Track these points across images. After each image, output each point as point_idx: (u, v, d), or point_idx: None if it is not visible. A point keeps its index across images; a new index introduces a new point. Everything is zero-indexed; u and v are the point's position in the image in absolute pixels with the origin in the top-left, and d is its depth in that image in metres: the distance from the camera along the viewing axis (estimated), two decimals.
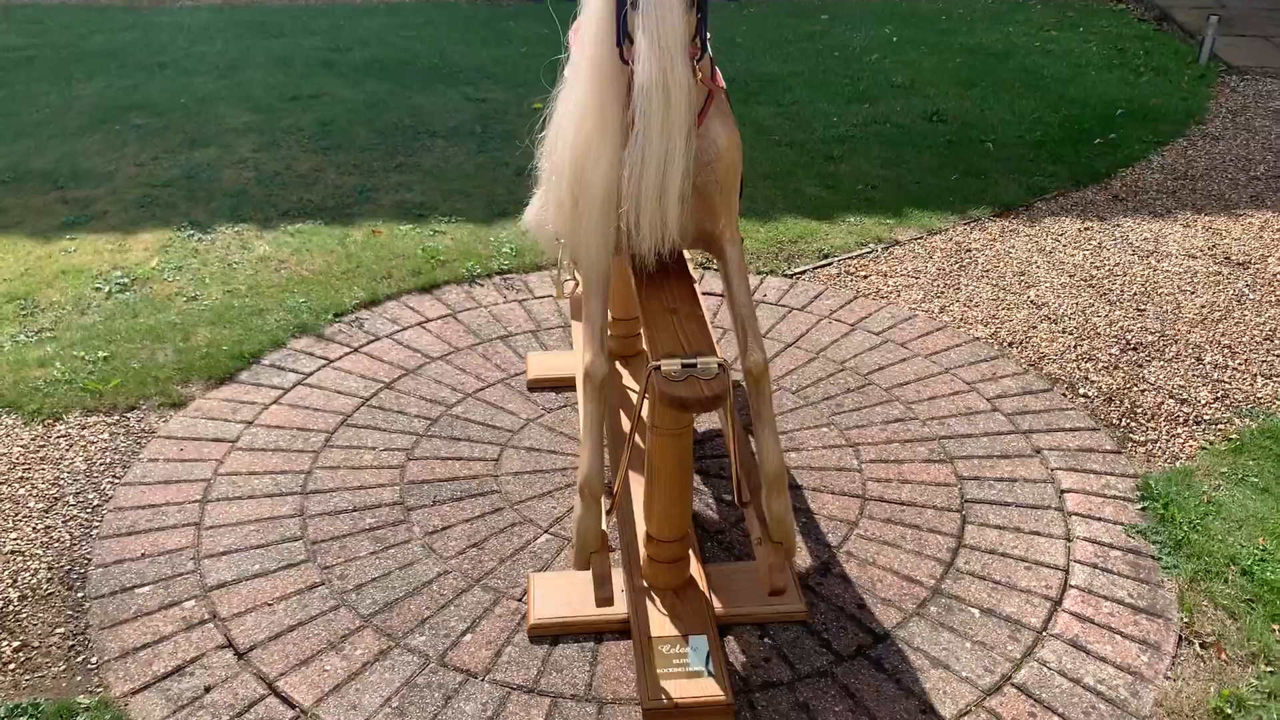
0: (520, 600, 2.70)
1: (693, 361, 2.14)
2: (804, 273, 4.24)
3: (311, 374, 3.62)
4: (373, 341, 3.81)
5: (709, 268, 4.10)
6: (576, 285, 3.36)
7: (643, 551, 2.64)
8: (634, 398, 3.28)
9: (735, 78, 6.49)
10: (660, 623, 2.51)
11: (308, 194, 4.90)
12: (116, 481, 3.13)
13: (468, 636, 2.60)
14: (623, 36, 2.08)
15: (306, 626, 2.63)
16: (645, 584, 2.62)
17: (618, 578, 2.65)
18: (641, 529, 2.66)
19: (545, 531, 2.93)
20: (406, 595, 2.72)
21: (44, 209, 4.74)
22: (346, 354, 3.74)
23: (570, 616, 2.59)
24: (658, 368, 2.14)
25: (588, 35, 2.12)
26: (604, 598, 2.34)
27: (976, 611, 2.66)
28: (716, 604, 2.61)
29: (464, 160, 5.29)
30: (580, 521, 2.28)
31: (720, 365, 2.14)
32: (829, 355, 3.69)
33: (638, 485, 2.89)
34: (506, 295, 4.11)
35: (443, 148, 5.43)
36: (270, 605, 2.69)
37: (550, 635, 2.59)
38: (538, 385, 3.54)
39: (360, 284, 4.14)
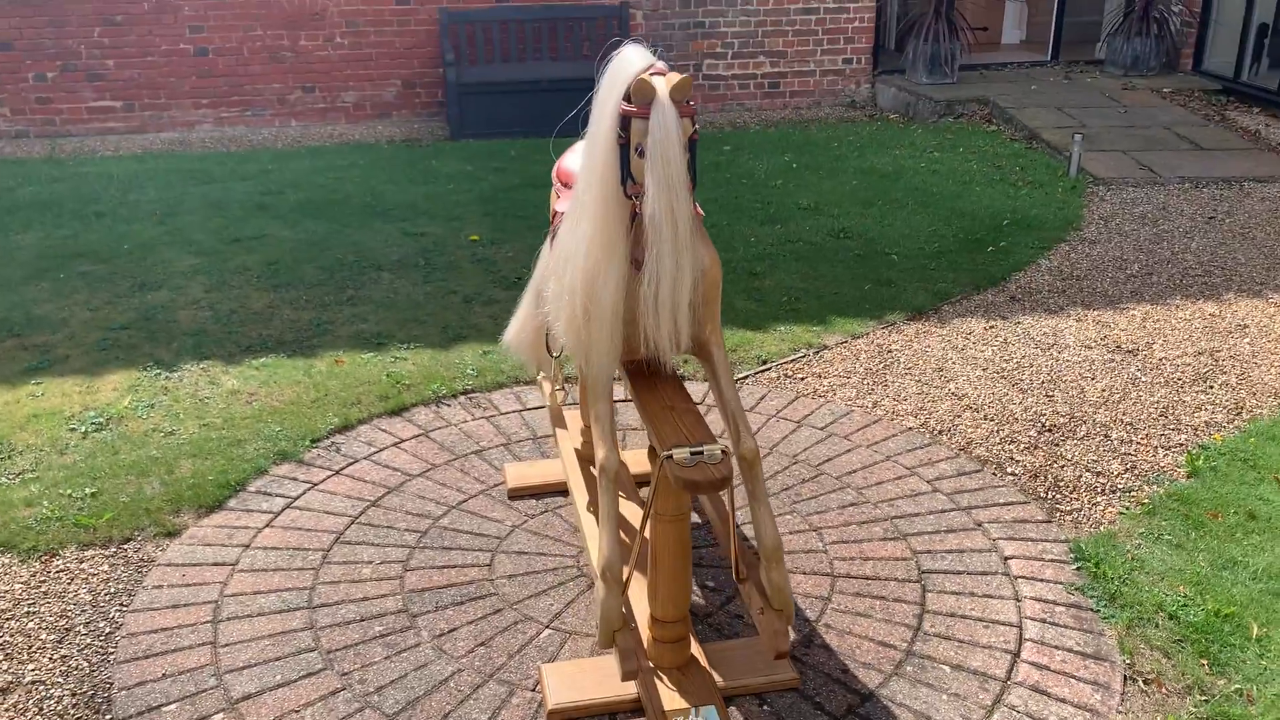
0: (534, 690, 2.91)
1: (700, 449, 2.45)
2: (747, 377, 4.61)
3: (298, 497, 3.80)
4: (352, 464, 4.01)
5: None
6: (565, 394, 3.63)
7: (646, 634, 2.88)
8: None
9: None
10: (670, 697, 2.74)
11: (266, 330, 5.11)
12: (125, 609, 3.25)
13: None
14: (626, 175, 2.44)
15: None
16: (651, 664, 2.86)
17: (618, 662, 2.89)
18: (642, 613, 2.90)
19: (547, 627, 3.15)
20: (426, 694, 2.90)
21: (3, 356, 4.84)
22: (329, 477, 3.93)
23: (585, 700, 2.80)
24: (670, 457, 2.44)
25: (593, 176, 2.47)
26: (630, 670, 2.58)
27: (947, 668, 2.96)
28: (717, 678, 2.86)
29: (412, 290, 5.57)
30: (604, 603, 2.53)
31: (723, 451, 2.45)
32: (781, 450, 4.03)
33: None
34: (474, 413, 4.37)
35: (390, 280, 5.72)
36: (298, 711, 2.84)
37: (567, 719, 2.80)
38: (519, 494, 3.79)
39: (332, 411, 4.35)
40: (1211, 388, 4.51)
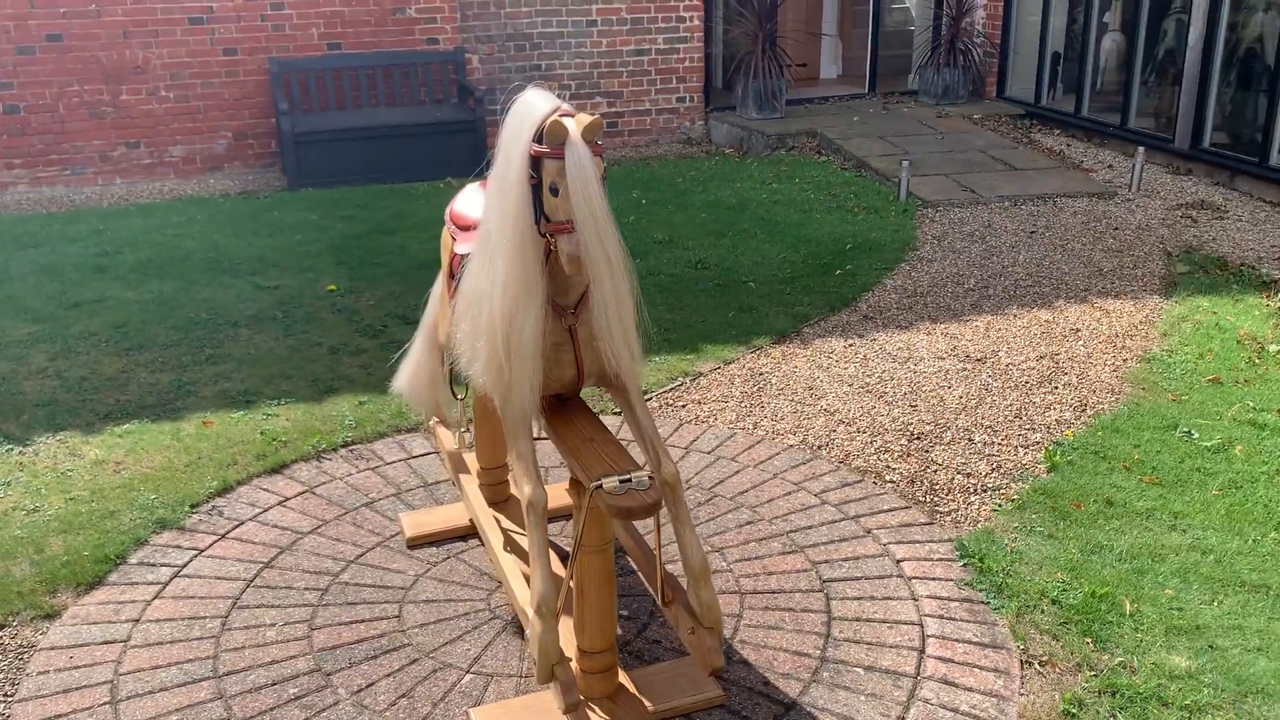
0: None
1: (628, 477, 2.51)
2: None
3: (186, 565, 3.66)
4: (238, 526, 3.89)
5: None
6: (469, 436, 3.62)
7: (574, 666, 2.91)
8: (516, 538, 3.56)
9: None
10: None
11: (123, 395, 4.89)
12: (10, 699, 3.06)
13: None
14: (539, 215, 2.49)
15: None
16: (582, 696, 2.88)
17: (554, 698, 2.90)
18: (568, 646, 2.93)
19: (467, 672, 3.13)
20: None
21: None
22: (215, 541, 3.80)
23: None
24: (599, 486, 2.49)
25: (506, 216, 2.51)
26: (572, 703, 2.60)
27: (861, 670, 3.10)
28: (646, 703, 2.91)
29: (274, 345, 5.43)
30: (542, 638, 2.55)
31: (650, 478, 2.52)
32: None
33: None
34: (358, 465, 4.29)
35: (248, 336, 5.56)
36: None
37: None
38: (418, 542, 3.75)
39: (208, 474, 4.20)
40: (1056, 388, 4.86)
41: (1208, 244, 6.82)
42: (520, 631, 3.28)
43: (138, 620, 3.38)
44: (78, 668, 3.18)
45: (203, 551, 3.74)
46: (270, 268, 6.63)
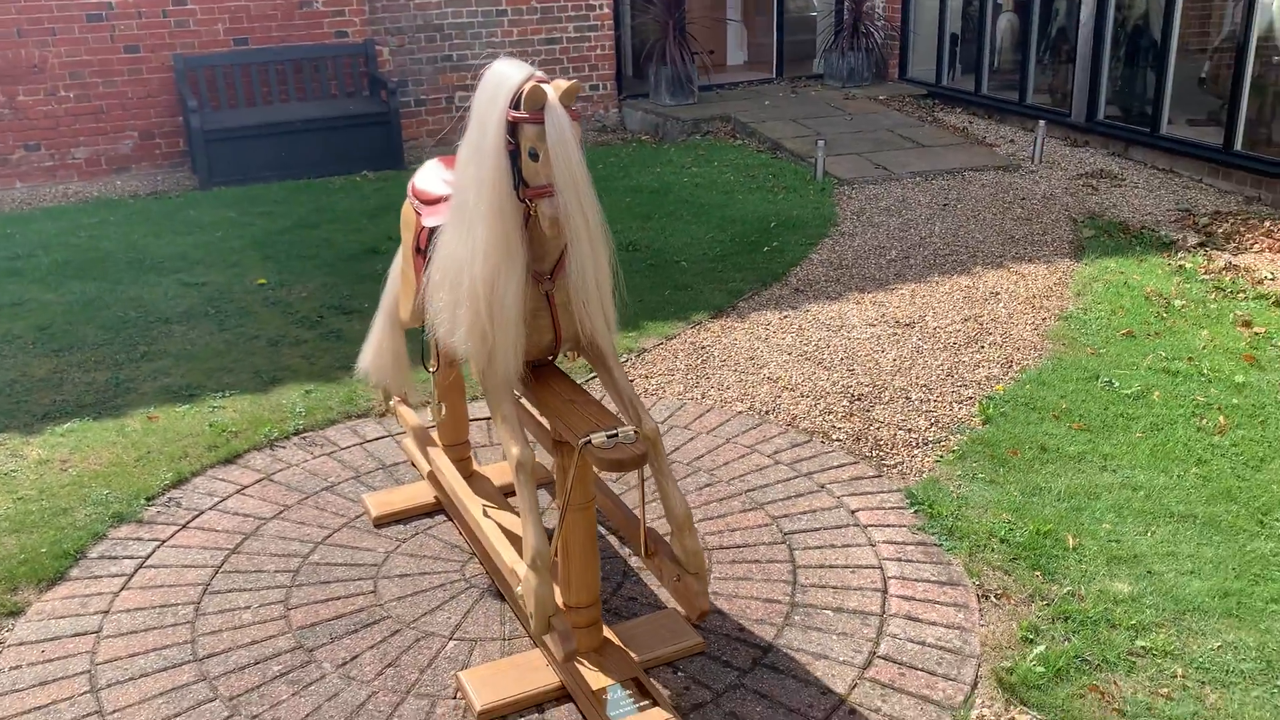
0: (455, 698, 2.95)
1: (614, 433, 2.60)
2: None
3: (149, 556, 3.64)
4: (198, 515, 3.87)
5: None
6: (443, 409, 3.66)
7: None
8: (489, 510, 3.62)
9: None
10: (595, 678, 2.86)
11: (59, 395, 4.80)
12: None
13: None
14: (518, 182, 2.56)
15: None
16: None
17: (541, 656, 2.99)
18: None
19: (450, 639, 3.19)
20: None
21: None
22: (177, 531, 3.78)
23: (511, 696, 2.88)
24: (588, 443, 2.57)
25: (484, 184, 2.56)
26: (571, 650, 2.68)
27: (829, 612, 3.24)
28: (631, 654, 3.00)
29: (210, 340, 5.38)
30: (538, 591, 2.62)
31: (635, 432, 2.62)
32: None
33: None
34: (312, 452, 4.30)
35: (182, 332, 5.49)
36: None
37: (499, 716, 2.86)
38: (384, 521, 3.78)
39: (160, 467, 4.16)
40: (983, 348, 5.09)
41: (1109, 210, 7.17)
42: (500, 596, 3.35)
43: (107, 611, 3.36)
44: (51, 660, 3.14)
45: (165, 542, 3.71)
46: (194, 265, 6.54)
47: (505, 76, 2.57)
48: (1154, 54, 8.21)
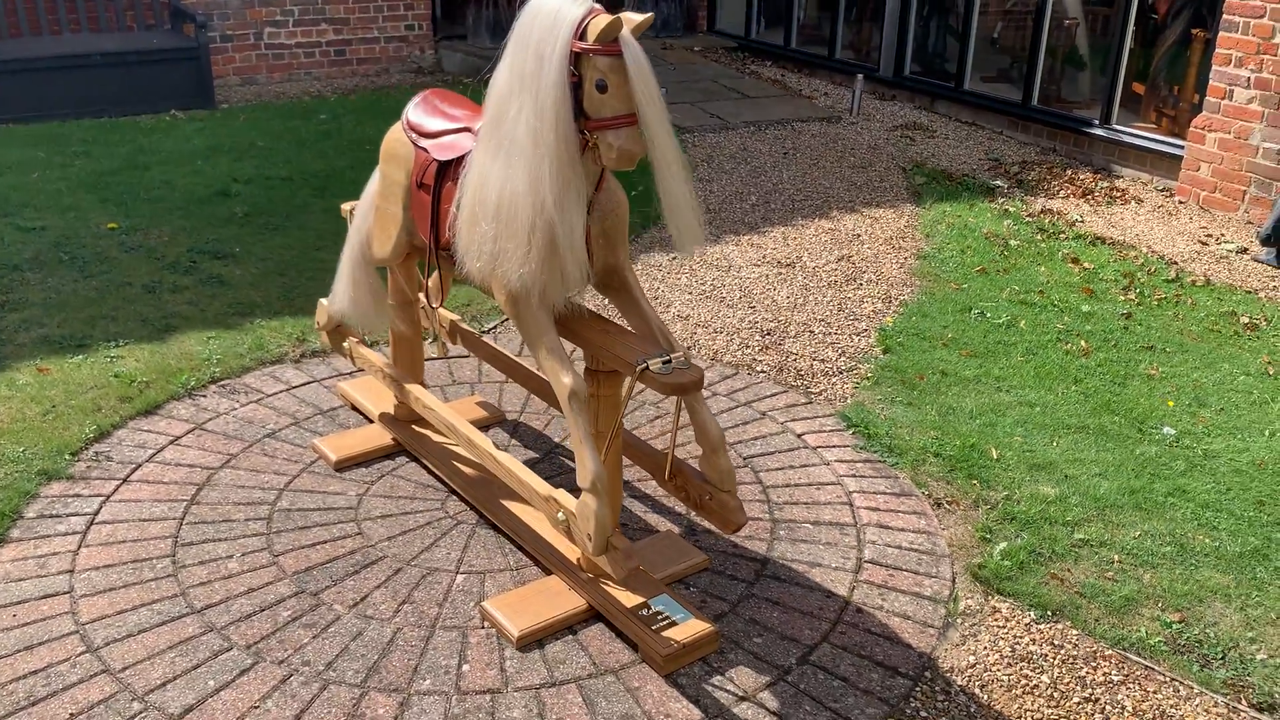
0: (485, 628, 2.99)
1: (668, 358, 2.72)
2: (495, 327, 4.80)
3: (98, 511, 3.43)
4: (136, 468, 3.67)
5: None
6: (446, 347, 3.61)
7: (579, 550, 3.09)
8: (451, 448, 3.64)
9: (291, 177, 6.75)
10: (627, 597, 2.99)
11: None
12: None
13: (466, 668, 2.85)
14: (579, 113, 2.60)
15: (315, 711, 2.69)
16: (591, 575, 3.07)
17: (560, 581, 3.08)
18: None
19: (458, 573, 3.22)
20: (381, 657, 2.88)
21: None
22: (119, 485, 3.57)
23: (545, 620, 2.95)
24: (646, 368, 2.68)
25: (542, 115, 2.57)
26: (632, 568, 2.79)
27: (809, 525, 3.50)
28: (648, 574, 3.14)
29: (76, 287, 5.00)
30: (598, 513, 2.71)
31: (683, 356, 2.75)
32: None
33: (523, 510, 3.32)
34: (238, 400, 4.13)
35: (40, 279, 5.07)
36: (258, 707, 2.70)
37: (535, 640, 2.94)
38: (345, 464, 3.71)
39: (73, 420, 3.89)
40: (861, 285, 5.47)
41: (929, 159, 7.77)
42: (494, 528, 3.40)
43: (73, 570, 3.16)
44: (30, 624, 2.94)
45: (110, 497, 3.50)
46: (22, 208, 6.00)
47: (562, 9, 2.59)
48: (958, 14, 8.89)
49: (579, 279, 2.75)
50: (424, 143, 3.13)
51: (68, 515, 3.41)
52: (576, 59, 2.57)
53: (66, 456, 3.69)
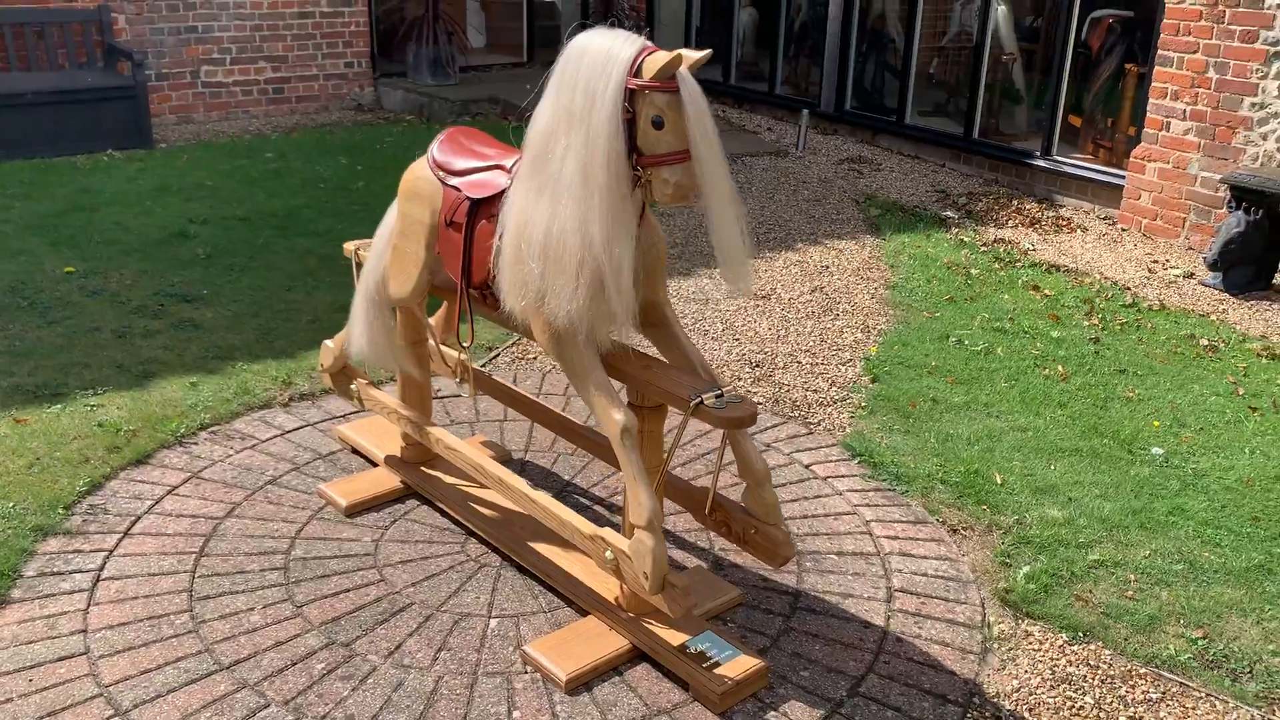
0: (527, 672, 2.93)
1: (721, 392, 2.71)
2: (484, 364, 4.74)
3: (103, 567, 3.29)
4: (137, 520, 3.52)
5: None
6: (469, 385, 3.54)
7: (617, 589, 3.05)
8: (465, 489, 3.58)
9: (249, 217, 6.60)
10: (672, 635, 2.96)
11: None
12: None
13: (516, 714, 2.78)
14: (632, 150, 2.59)
15: None
16: (632, 614, 3.03)
17: (598, 622, 3.04)
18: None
19: (490, 617, 3.15)
20: (427, 707, 2.79)
21: None
22: (120, 538, 3.43)
23: (590, 662, 2.90)
24: (701, 403, 2.67)
25: (597, 152, 2.56)
26: (690, 604, 2.76)
27: (835, 556, 3.51)
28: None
29: (41, 334, 4.80)
30: (654, 550, 2.67)
31: (733, 391, 2.74)
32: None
33: (555, 547, 3.27)
34: (232, 446, 4.00)
35: (1, 326, 4.85)
36: None
37: (583, 683, 2.88)
38: (355, 510, 3.62)
39: (63, 473, 3.73)
40: (838, 315, 5.55)
41: (879, 191, 7.93)
42: (521, 570, 3.33)
43: (86, 630, 3.01)
44: (50, 688, 2.79)
45: (113, 552, 3.36)
46: None
47: (614, 48, 2.58)
48: (897, 51, 9.13)
49: (625, 316, 2.74)
50: (454, 180, 3.09)
51: (70, 572, 3.25)
52: (631, 95, 2.56)
53: (60, 510, 3.53)
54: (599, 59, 2.59)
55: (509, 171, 2.98)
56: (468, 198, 3.02)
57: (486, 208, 2.99)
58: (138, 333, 4.88)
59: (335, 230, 6.36)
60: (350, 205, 6.88)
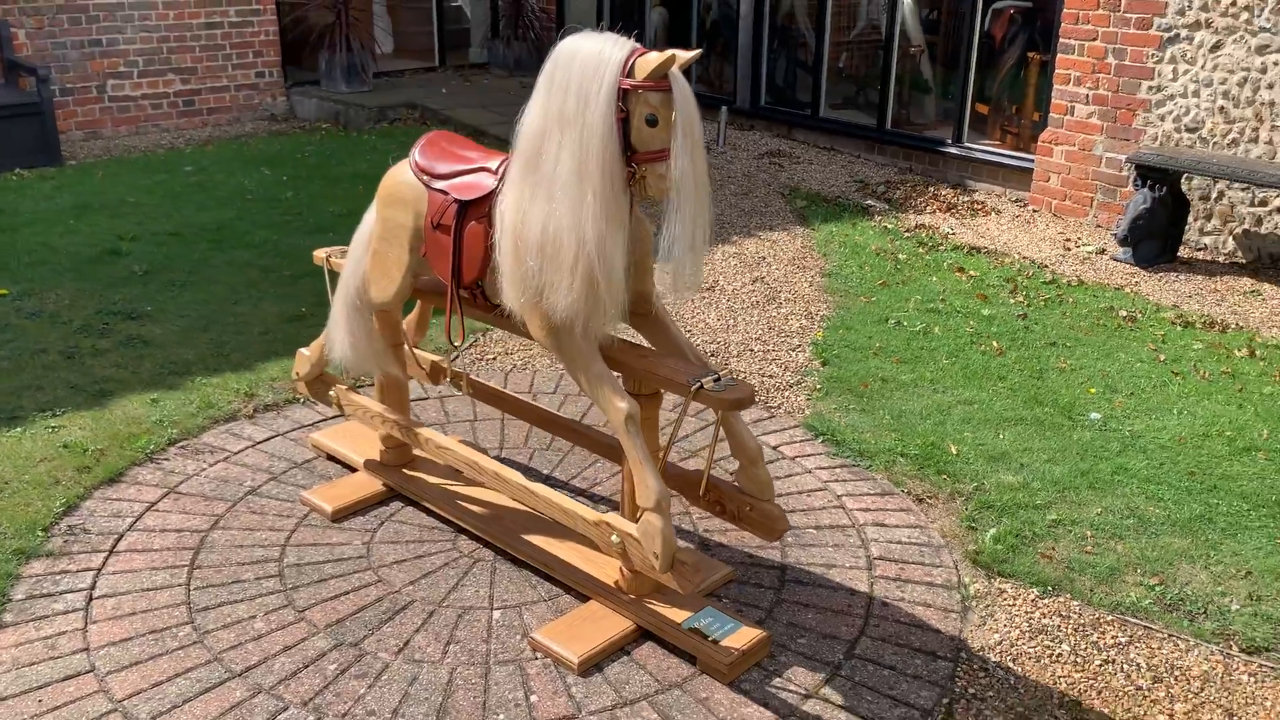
0: (538, 658, 3.02)
1: (718, 376, 2.83)
2: (460, 352, 4.79)
3: (94, 585, 3.27)
4: (120, 538, 3.50)
5: None
6: (465, 383, 3.58)
7: (616, 573, 3.15)
8: (449, 488, 3.64)
9: (180, 231, 6.50)
10: (674, 613, 3.07)
11: None
12: None
13: (534, 698, 2.87)
14: (626, 148, 2.69)
15: None
16: (633, 596, 3.14)
17: (600, 606, 3.14)
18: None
19: (493, 609, 3.22)
20: (446, 698, 2.86)
21: None
22: (106, 557, 3.40)
23: (599, 644, 3.00)
24: (701, 387, 2.79)
25: (592, 151, 2.65)
26: (700, 579, 2.87)
27: (813, 530, 3.66)
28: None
29: None
30: (664, 532, 2.78)
31: (727, 375, 2.86)
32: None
33: (557, 542, 3.36)
34: (204, 460, 3.99)
35: None
36: None
37: (594, 664, 2.98)
38: (342, 515, 3.65)
39: (35, 496, 3.68)
40: (781, 304, 5.72)
41: (801, 183, 8.15)
42: (516, 562, 3.41)
43: (88, 649, 3.00)
44: (61, 706, 2.78)
45: (101, 570, 3.34)
46: None
47: (604, 50, 2.68)
48: (808, 47, 9.38)
49: (619, 309, 2.84)
50: (439, 184, 3.15)
51: (61, 593, 3.22)
52: (624, 95, 2.66)
53: (39, 533, 3.48)
54: (590, 63, 2.69)
55: (495, 173, 3.06)
56: (455, 200, 3.09)
57: (474, 209, 3.06)
58: (86, 352, 4.80)
59: (271, 242, 6.31)
60: (283, 216, 6.83)
